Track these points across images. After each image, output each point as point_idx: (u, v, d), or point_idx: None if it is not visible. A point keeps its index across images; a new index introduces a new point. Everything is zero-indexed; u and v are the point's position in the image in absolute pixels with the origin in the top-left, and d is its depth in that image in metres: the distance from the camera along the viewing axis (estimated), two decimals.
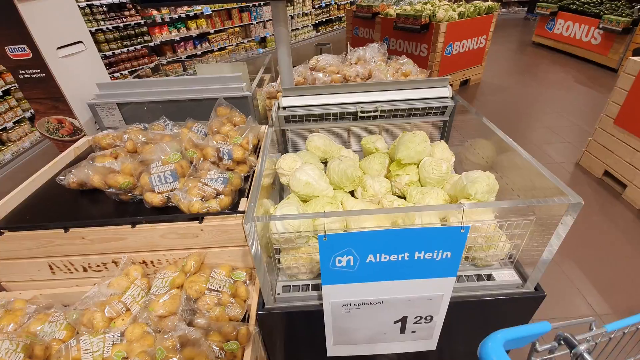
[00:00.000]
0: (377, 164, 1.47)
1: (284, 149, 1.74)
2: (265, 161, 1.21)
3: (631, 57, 2.57)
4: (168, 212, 1.21)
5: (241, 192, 1.32)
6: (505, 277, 1.08)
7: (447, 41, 4.59)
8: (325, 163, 1.64)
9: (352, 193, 1.40)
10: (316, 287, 1.09)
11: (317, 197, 1.24)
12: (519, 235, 1.03)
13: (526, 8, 10.61)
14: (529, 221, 0.98)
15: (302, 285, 1.10)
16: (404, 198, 1.41)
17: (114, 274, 1.17)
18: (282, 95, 1.58)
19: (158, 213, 1.21)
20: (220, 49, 7.21)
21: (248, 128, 1.42)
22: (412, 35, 4.79)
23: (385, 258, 0.91)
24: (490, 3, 4.96)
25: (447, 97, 1.58)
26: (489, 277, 1.09)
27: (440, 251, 0.91)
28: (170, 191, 1.20)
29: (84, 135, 1.89)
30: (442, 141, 1.55)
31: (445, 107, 1.59)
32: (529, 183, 1.17)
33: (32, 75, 1.75)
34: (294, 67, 2.84)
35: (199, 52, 6.87)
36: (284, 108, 1.59)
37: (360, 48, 2.47)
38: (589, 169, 3.16)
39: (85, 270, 1.27)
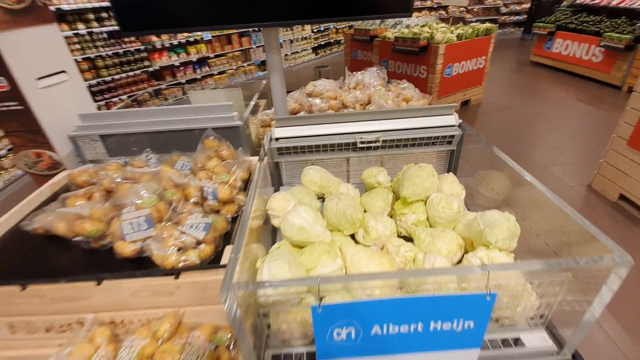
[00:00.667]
0: (380, 201, 1.33)
1: (277, 182, 1.60)
2: (253, 201, 1.07)
3: None
4: (142, 263, 1.06)
5: (228, 237, 1.17)
6: (537, 342, 0.91)
7: (446, 62, 4.55)
8: (322, 198, 1.50)
9: (352, 235, 1.25)
10: (312, 357, 0.92)
11: (312, 242, 1.09)
12: (551, 293, 0.87)
13: (522, 29, 10.76)
14: (563, 278, 0.82)
15: (296, 353, 0.93)
16: (411, 239, 1.26)
17: (76, 339, 1.00)
18: (274, 126, 1.46)
19: (131, 265, 1.06)
20: (220, 73, 7.24)
21: (236, 164, 1.29)
22: (410, 58, 4.76)
23: (394, 329, 0.75)
24: (488, 25, 4.96)
25: (454, 126, 1.46)
26: (517, 341, 0.92)
27: (461, 320, 0.75)
28: (145, 240, 1.05)
29: (64, 169, 1.76)
30: (451, 174, 1.41)
31: (452, 136, 1.46)
32: (556, 226, 1.02)
33: (10, 108, 1.64)
34: (291, 92, 2.75)
35: (199, 77, 6.89)
36: (277, 139, 1.46)
37: (359, 72, 2.38)
38: (602, 192, 3.00)
39: (47, 331, 1.11)
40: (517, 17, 11.42)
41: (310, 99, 2.00)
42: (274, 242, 1.27)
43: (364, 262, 1.01)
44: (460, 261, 1.12)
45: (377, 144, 1.45)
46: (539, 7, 9.26)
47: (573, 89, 5.74)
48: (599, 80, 5.79)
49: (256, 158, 1.58)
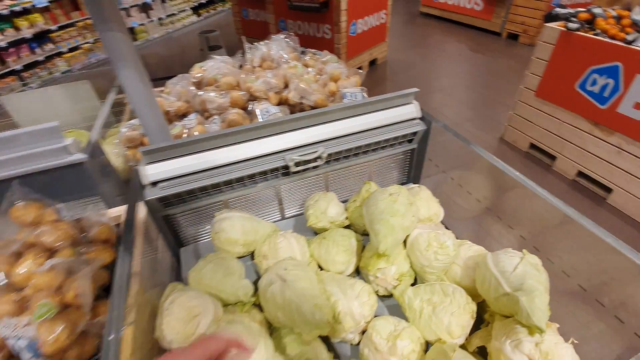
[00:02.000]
0: (341, 254, 0.88)
1: (174, 243, 1.01)
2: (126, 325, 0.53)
3: (546, 25, 2.43)
4: None
5: None
6: None
7: (350, 19, 4.13)
8: (251, 255, 0.99)
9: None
10: None
11: None
12: None
13: None
14: None
15: None
16: (391, 296, 0.87)
17: None
18: (144, 162, 0.85)
19: None
20: (71, 50, 5.55)
21: (77, 262, 0.67)
22: (311, 16, 4.21)
23: None
24: None
25: (415, 119, 1.06)
26: None
27: None
28: None
29: None
30: (423, 188, 1.03)
31: (415, 133, 1.07)
32: (589, 257, 0.74)
33: None
34: (171, 77, 2.00)
35: (41, 58, 5.14)
36: (154, 184, 0.86)
37: (262, 43, 1.78)
38: (514, 143, 3.12)
39: None
40: None
41: (201, 92, 1.36)
42: None
43: None
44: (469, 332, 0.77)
45: (317, 164, 0.97)
46: None
47: (464, 39, 5.98)
48: (482, 29, 6.15)
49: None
